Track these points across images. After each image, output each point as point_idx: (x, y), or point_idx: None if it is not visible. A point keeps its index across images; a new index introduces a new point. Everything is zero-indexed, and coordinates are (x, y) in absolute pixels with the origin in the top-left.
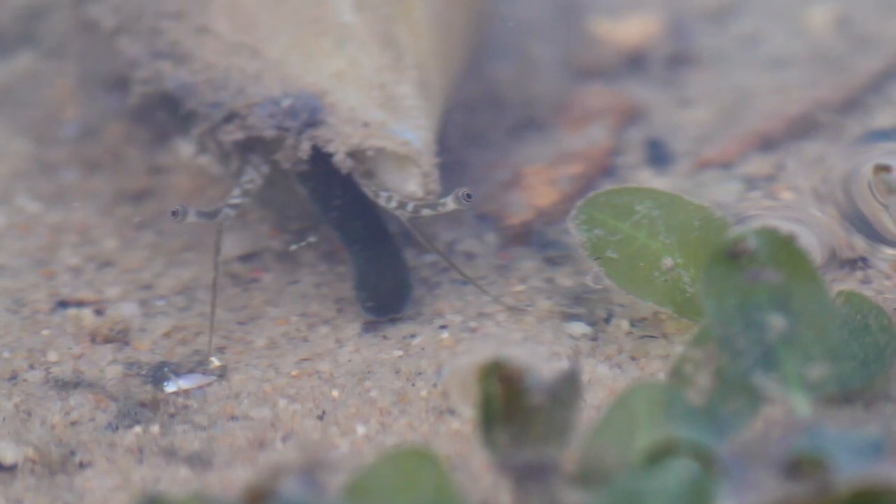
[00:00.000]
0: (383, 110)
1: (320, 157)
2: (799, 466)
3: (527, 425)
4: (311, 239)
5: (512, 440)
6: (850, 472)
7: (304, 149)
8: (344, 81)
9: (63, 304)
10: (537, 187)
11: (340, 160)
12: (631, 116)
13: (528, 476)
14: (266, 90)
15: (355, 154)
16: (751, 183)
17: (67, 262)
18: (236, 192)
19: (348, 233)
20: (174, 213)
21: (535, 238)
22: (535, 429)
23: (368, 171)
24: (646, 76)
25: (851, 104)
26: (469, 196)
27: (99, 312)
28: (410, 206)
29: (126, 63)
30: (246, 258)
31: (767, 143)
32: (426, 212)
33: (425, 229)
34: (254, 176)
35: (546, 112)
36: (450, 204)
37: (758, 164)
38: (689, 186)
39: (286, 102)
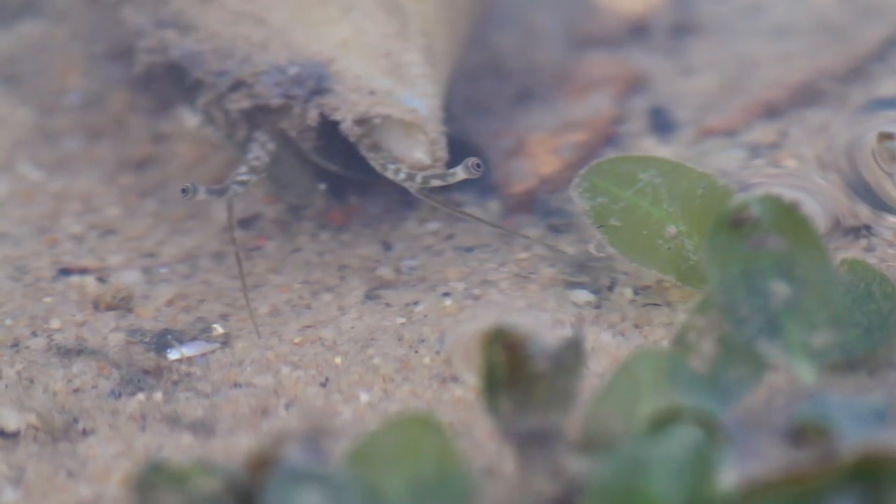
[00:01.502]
0: (390, 78)
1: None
2: (803, 433)
3: (530, 393)
4: (322, 186)
5: (515, 407)
6: (853, 440)
7: (312, 117)
8: (350, 49)
9: (66, 271)
10: (540, 156)
11: (348, 127)
12: (634, 85)
13: (532, 443)
14: (272, 59)
15: (362, 122)
16: (754, 151)
17: (70, 229)
18: (243, 168)
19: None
20: (184, 191)
21: (538, 206)
22: (539, 396)
23: (375, 143)
24: (649, 44)
25: (855, 73)
26: (479, 165)
27: (102, 280)
28: (419, 178)
29: (131, 32)
30: (243, 224)
31: (771, 112)
32: (435, 182)
33: (436, 195)
34: (260, 153)
35: (549, 80)
36: (460, 174)
37: (761, 133)
38: (693, 154)
39: (292, 71)
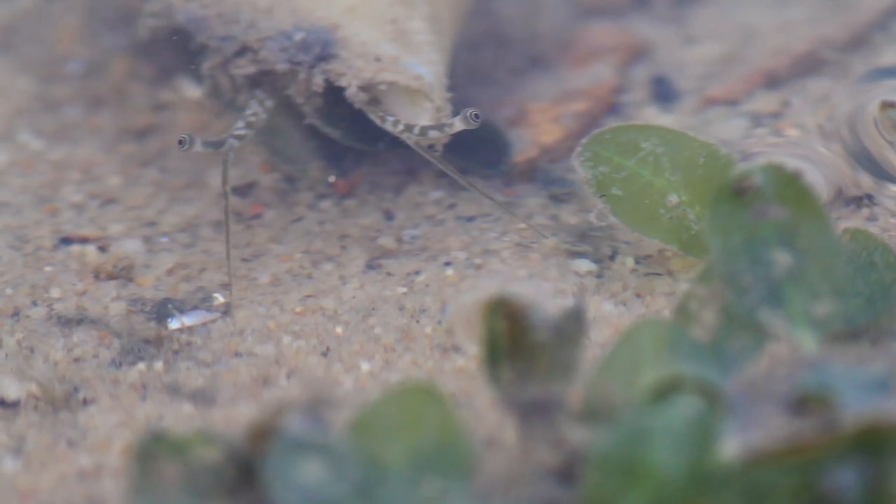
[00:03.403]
0: (395, 45)
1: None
2: (805, 403)
3: (532, 362)
4: (332, 178)
5: (517, 377)
6: (855, 409)
7: (317, 83)
8: (356, 15)
9: (66, 240)
10: (542, 125)
11: (353, 94)
12: (636, 54)
13: (533, 413)
14: (277, 24)
15: (367, 88)
16: (756, 120)
17: (71, 199)
18: (240, 123)
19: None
20: (181, 142)
21: (539, 175)
22: (540, 366)
23: (374, 98)
24: (651, 14)
25: (857, 41)
26: (477, 116)
27: (102, 249)
28: (417, 129)
29: None
30: (240, 191)
31: (773, 81)
32: (433, 133)
33: (434, 152)
34: (257, 109)
35: (551, 49)
36: (457, 124)
37: (763, 102)
38: (695, 124)
39: (298, 36)
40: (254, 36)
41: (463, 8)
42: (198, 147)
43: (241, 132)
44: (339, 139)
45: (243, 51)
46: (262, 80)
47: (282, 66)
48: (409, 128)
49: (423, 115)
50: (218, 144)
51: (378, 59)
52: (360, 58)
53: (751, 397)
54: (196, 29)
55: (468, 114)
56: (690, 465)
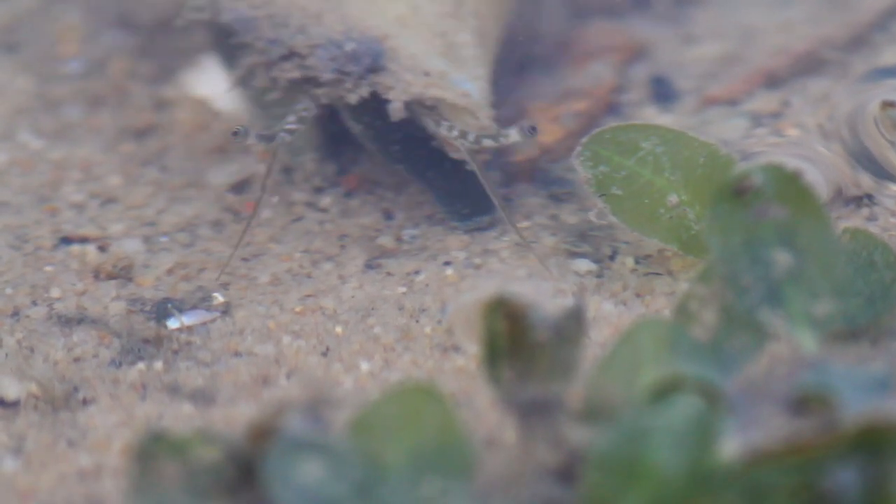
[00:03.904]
0: (444, 59)
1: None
2: (805, 403)
3: (531, 362)
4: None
5: (517, 377)
6: (856, 409)
7: (363, 94)
8: (406, 27)
9: (66, 240)
10: (541, 124)
11: (396, 109)
12: (635, 53)
13: (533, 413)
14: (327, 31)
15: (412, 102)
16: (756, 120)
17: (70, 198)
18: (291, 118)
19: (415, 162)
20: (235, 134)
21: (539, 175)
22: (540, 365)
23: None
24: (651, 13)
25: (857, 41)
26: (533, 129)
27: (102, 249)
28: (472, 136)
29: None
30: (237, 188)
31: (773, 81)
32: (488, 142)
33: (483, 168)
34: (309, 105)
35: (550, 49)
36: (513, 135)
37: (763, 102)
38: (695, 124)
39: (349, 46)
40: (303, 42)
41: (504, 22)
42: (251, 139)
43: (292, 126)
44: (386, 158)
45: (290, 56)
46: (305, 84)
47: (329, 76)
48: (463, 134)
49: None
50: (270, 138)
51: (427, 74)
52: (408, 71)
53: (751, 397)
54: (243, 29)
55: (525, 126)
56: (690, 465)
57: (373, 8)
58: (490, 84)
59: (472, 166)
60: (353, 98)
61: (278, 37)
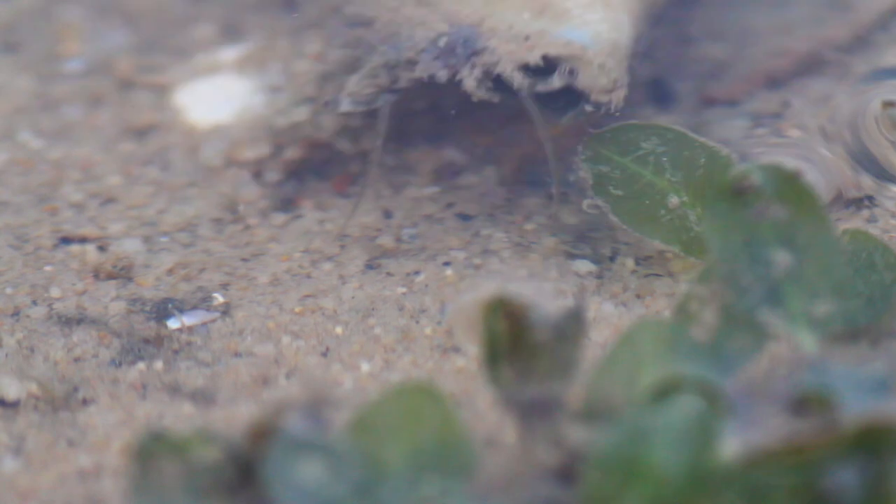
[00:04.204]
0: (542, 18)
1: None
2: (804, 403)
3: (532, 362)
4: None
5: (517, 377)
6: (855, 409)
7: (476, 76)
8: (496, 3)
9: (66, 240)
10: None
11: (509, 76)
12: (636, 54)
13: (533, 413)
14: (428, 34)
15: (526, 68)
16: (757, 120)
17: (70, 198)
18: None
19: None
20: (326, 104)
21: (538, 173)
22: (540, 366)
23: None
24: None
25: (858, 42)
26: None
27: (102, 249)
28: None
29: None
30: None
31: (773, 82)
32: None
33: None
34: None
35: None
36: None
37: (764, 102)
38: (695, 124)
39: (443, 41)
40: (409, 52)
41: None
42: (345, 106)
43: (392, 95)
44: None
45: (404, 64)
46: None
47: (442, 74)
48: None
49: (587, 77)
50: (368, 102)
51: (527, 38)
52: (510, 42)
53: (751, 397)
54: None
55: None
56: (690, 465)
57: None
58: (616, 24)
59: (530, 107)
60: (470, 84)
61: (392, 45)
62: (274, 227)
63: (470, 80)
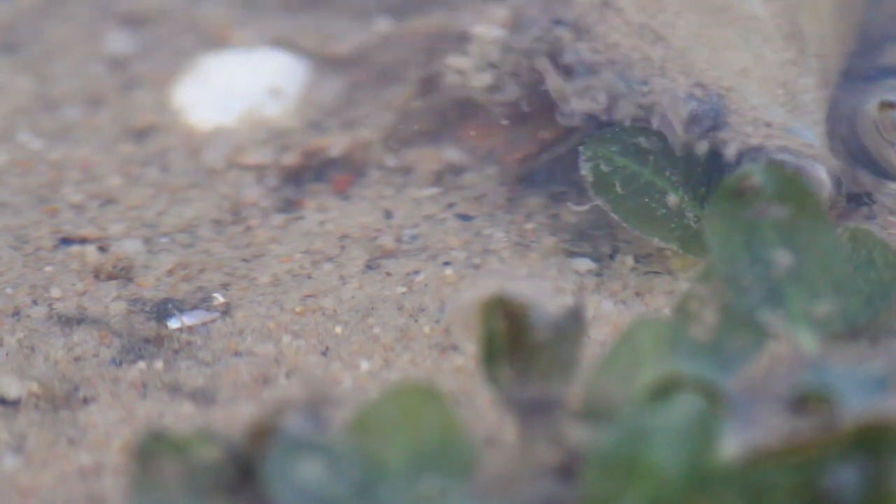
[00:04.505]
0: (784, 109)
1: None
2: (804, 402)
3: (531, 361)
4: None
5: (516, 376)
6: (855, 408)
7: (701, 149)
8: (748, 78)
9: (66, 240)
10: (542, 123)
11: (730, 156)
12: None
13: (533, 412)
14: (669, 85)
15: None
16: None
17: (70, 199)
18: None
19: None
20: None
21: (539, 173)
22: (540, 364)
23: None
24: None
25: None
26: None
27: (102, 249)
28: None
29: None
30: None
31: None
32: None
33: None
34: None
35: None
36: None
37: None
38: None
39: (690, 106)
40: (647, 99)
41: (847, 51)
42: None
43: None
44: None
45: (627, 98)
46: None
47: (674, 136)
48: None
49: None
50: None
51: (768, 125)
52: (749, 124)
53: (751, 396)
54: (583, 72)
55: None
56: (690, 464)
57: (717, 58)
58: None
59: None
60: (699, 152)
61: (622, 77)
62: (274, 227)
63: (700, 148)
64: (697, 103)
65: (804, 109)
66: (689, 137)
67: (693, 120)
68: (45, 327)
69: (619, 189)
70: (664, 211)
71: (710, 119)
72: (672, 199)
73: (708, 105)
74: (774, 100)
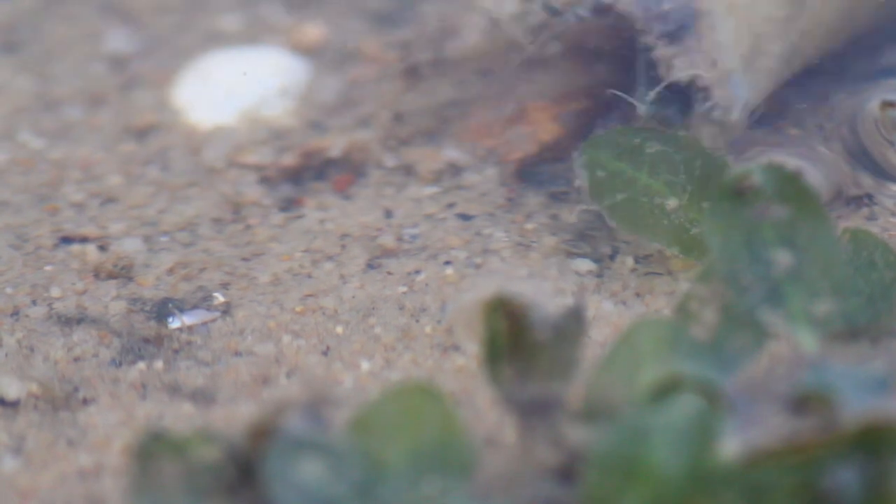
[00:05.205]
0: (741, 59)
1: None
2: (804, 402)
3: (531, 361)
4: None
5: (517, 376)
6: (855, 408)
7: (647, 60)
8: (730, 13)
9: (66, 239)
10: (542, 123)
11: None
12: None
13: (533, 412)
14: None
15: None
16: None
17: (71, 198)
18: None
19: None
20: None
21: (538, 174)
22: (540, 365)
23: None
24: None
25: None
26: None
27: (102, 248)
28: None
29: None
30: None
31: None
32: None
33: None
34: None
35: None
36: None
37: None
38: None
39: (665, 6)
40: None
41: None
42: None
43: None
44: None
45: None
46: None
47: (639, 23)
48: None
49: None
50: (558, 13)
51: (714, 65)
52: (700, 53)
53: (751, 396)
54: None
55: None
56: (690, 465)
57: None
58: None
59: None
60: (649, 40)
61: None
62: (275, 226)
63: (649, 39)
64: (672, 3)
65: (757, 68)
66: (649, 34)
67: (662, 16)
68: (45, 327)
69: (616, 195)
70: (663, 215)
71: (675, 25)
72: (671, 202)
73: (680, 10)
74: (738, 46)
